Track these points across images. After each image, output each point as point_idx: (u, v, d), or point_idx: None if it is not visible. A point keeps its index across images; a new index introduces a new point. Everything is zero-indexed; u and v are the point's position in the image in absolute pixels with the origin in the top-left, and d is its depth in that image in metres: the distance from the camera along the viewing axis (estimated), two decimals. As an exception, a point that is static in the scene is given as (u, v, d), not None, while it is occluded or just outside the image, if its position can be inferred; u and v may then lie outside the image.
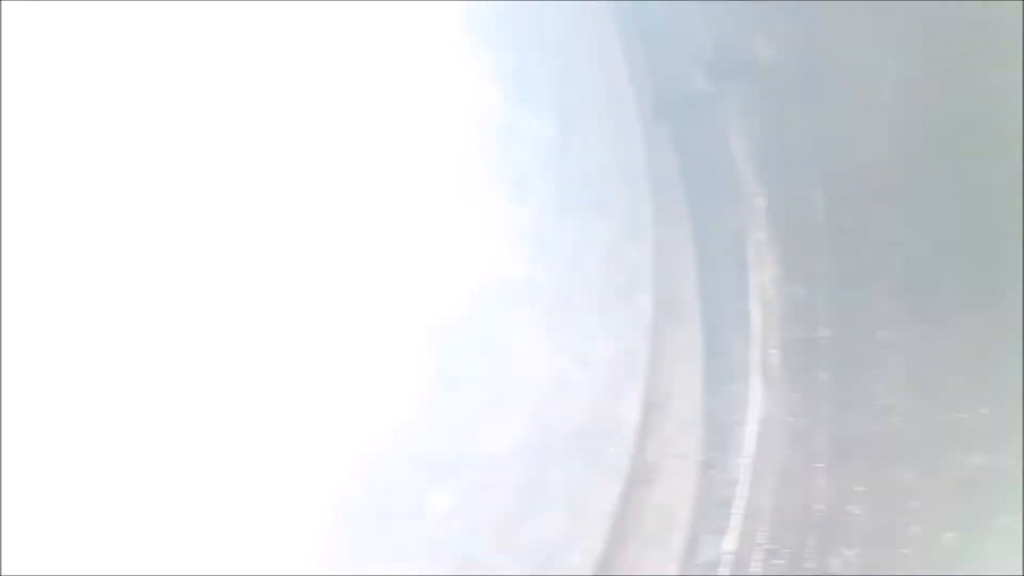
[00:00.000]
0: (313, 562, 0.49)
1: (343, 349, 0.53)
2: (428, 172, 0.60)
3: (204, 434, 0.49)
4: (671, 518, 0.63)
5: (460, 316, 0.57)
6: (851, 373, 0.60)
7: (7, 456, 0.44)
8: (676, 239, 0.66)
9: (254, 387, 0.51)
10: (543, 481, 0.56)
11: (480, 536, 0.53)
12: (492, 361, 0.57)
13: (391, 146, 0.59)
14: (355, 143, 0.59)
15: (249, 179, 0.53)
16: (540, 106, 0.63)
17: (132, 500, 0.46)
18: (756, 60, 0.63)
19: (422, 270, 0.57)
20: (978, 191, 0.50)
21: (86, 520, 0.45)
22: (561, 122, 0.63)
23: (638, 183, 0.63)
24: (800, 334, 0.63)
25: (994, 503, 0.48)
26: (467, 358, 0.56)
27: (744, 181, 0.65)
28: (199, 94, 0.52)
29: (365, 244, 0.56)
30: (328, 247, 0.55)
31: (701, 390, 0.66)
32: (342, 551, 0.50)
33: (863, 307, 0.59)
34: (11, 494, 0.43)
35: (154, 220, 0.49)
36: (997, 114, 0.48)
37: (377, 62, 0.60)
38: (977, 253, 0.51)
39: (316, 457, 0.51)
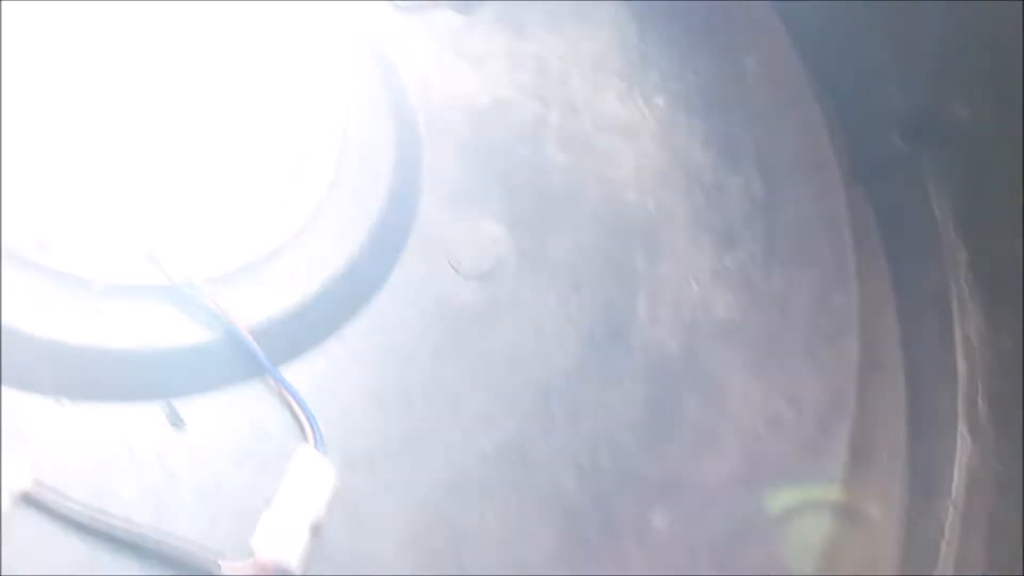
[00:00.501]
0: (546, 560, 0.54)
1: (586, 381, 0.59)
2: (641, 224, 0.66)
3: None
4: (878, 559, 0.65)
5: (677, 353, 0.62)
6: (1062, 420, 0.61)
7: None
8: (878, 291, 0.69)
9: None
10: (755, 510, 0.59)
11: (696, 555, 0.57)
12: (707, 396, 0.61)
13: (610, 201, 0.66)
14: (577, 196, 0.66)
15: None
16: (746, 166, 0.69)
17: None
18: (954, 120, 0.67)
19: (642, 311, 0.62)
20: None
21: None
22: (766, 181, 0.68)
23: (841, 236, 0.67)
24: (1006, 384, 0.65)
25: None
26: (684, 392, 0.61)
27: (945, 235, 0.68)
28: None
29: (594, 282, 0.62)
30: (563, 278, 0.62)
31: (906, 437, 0.68)
32: (571, 553, 0.55)
33: (1071, 356, 0.60)
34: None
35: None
36: None
37: (604, 132, 0.68)
38: None
39: (550, 468, 0.57)
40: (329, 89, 0.62)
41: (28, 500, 0.49)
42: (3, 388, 0.51)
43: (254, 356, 0.53)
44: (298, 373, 0.56)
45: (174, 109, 0.57)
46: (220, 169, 0.57)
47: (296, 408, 0.54)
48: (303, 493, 0.51)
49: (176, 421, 0.53)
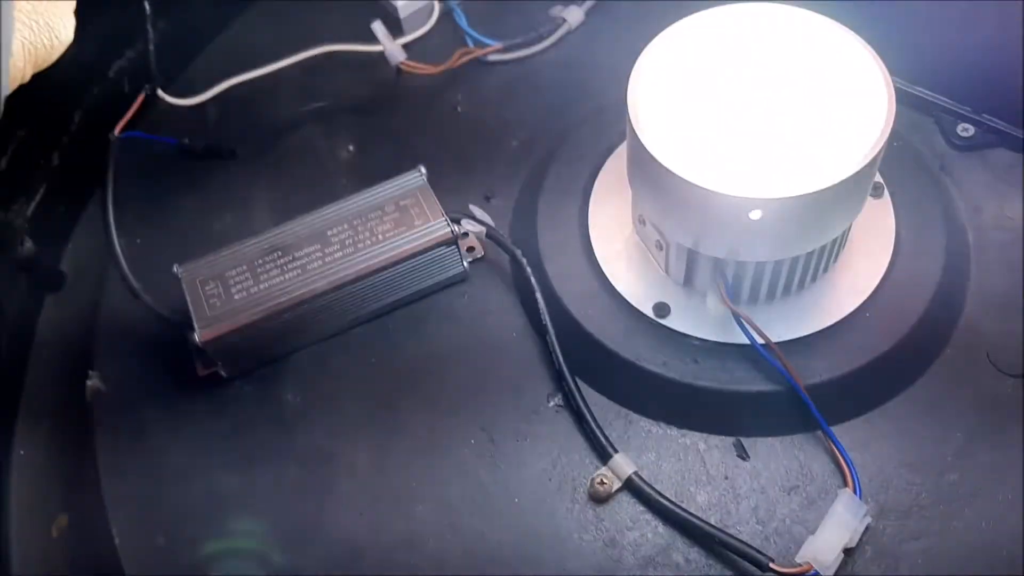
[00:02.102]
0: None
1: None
2: None
3: None
4: None
5: None
6: None
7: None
8: None
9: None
10: None
11: None
12: None
13: None
14: None
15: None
16: None
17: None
18: None
19: None
20: None
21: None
22: None
23: None
24: None
25: None
26: None
27: None
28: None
29: None
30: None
31: None
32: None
33: None
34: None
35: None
36: None
37: None
38: None
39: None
40: (887, 199, 0.74)
41: (630, 487, 0.66)
42: (626, 412, 0.69)
43: (810, 411, 0.66)
44: (845, 432, 0.67)
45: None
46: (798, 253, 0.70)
47: (841, 460, 0.65)
48: (841, 525, 0.62)
49: (742, 454, 0.67)
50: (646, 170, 0.64)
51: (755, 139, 0.62)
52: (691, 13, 0.68)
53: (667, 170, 0.62)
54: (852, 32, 0.65)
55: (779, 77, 0.64)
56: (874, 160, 0.61)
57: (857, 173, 0.60)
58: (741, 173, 0.61)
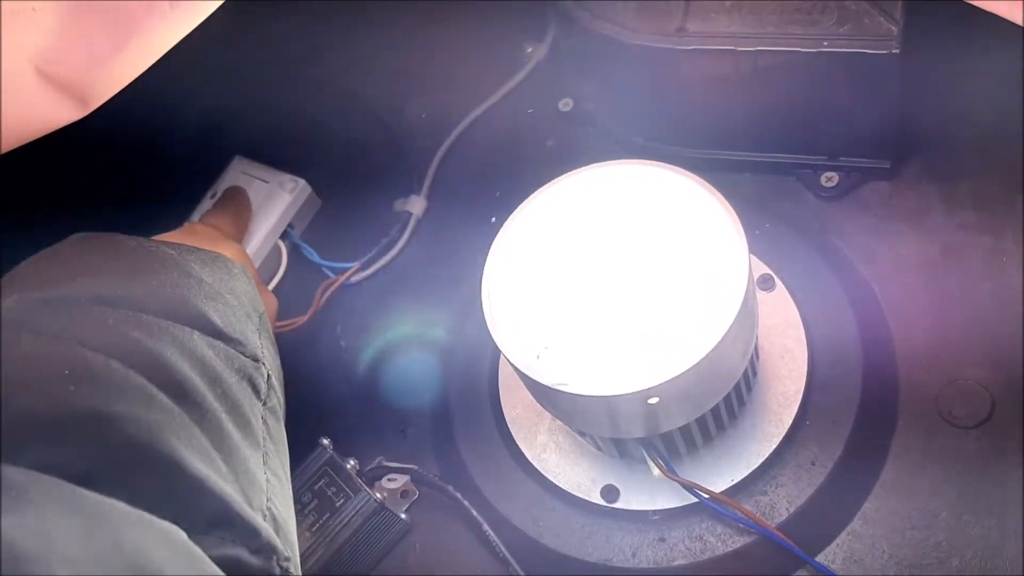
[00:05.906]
0: None
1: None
2: None
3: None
4: None
5: None
6: None
7: None
8: None
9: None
10: None
11: None
12: None
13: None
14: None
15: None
16: None
17: None
18: None
19: None
20: None
21: None
22: None
23: None
24: None
25: None
26: None
27: None
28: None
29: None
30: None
31: None
32: None
33: None
34: None
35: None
36: None
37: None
38: None
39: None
40: (781, 288, 0.71)
41: None
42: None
43: (790, 550, 0.63)
44: (834, 554, 0.64)
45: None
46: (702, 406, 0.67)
47: (840, 589, 0.62)
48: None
49: (745, 619, 0.64)
50: (531, 384, 0.61)
51: (629, 320, 0.59)
52: (517, 187, 0.65)
53: (547, 387, 0.59)
54: (675, 169, 0.62)
55: (633, 242, 0.61)
56: (745, 299, 0.58)
57: (736, 318, 0.58)
58: (626, 362, 0.58)
